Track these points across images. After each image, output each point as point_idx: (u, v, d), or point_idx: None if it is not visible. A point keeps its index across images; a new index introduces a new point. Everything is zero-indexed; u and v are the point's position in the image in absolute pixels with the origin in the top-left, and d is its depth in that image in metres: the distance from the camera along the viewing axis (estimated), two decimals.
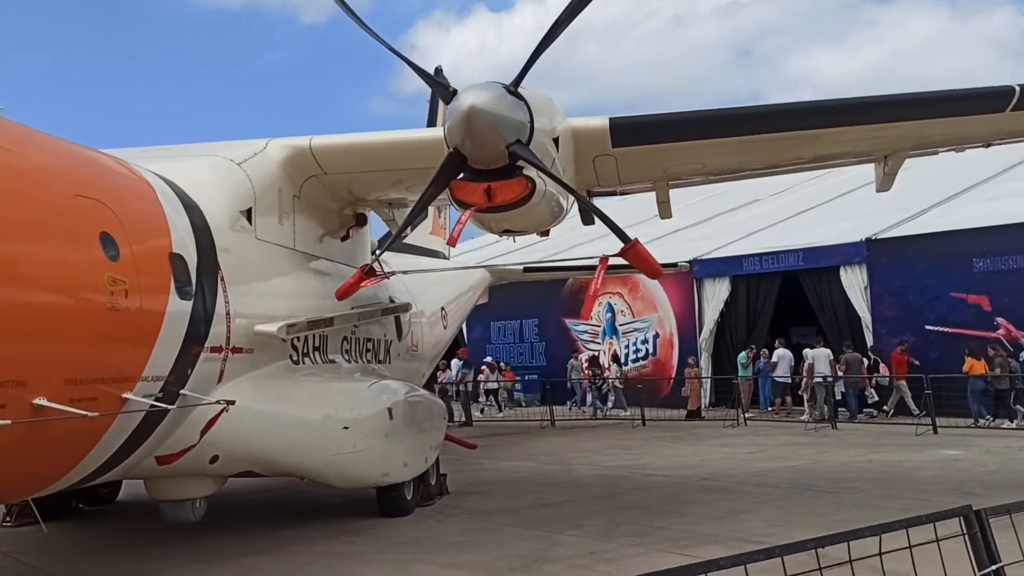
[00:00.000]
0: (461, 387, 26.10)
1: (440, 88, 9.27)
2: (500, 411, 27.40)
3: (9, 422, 6.01)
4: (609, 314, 28.58)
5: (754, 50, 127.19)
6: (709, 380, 25.20)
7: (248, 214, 10.01)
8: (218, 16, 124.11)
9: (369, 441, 10.29)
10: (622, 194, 12.83)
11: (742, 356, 23.92)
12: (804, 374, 22.21)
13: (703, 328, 25.67)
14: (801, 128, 10.44)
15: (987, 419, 19.29)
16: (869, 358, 21.71)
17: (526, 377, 29.81)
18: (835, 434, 19.20)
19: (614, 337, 28.41)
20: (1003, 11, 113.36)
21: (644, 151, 10.63)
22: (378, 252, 11.31)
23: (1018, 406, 19.12)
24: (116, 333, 7.17)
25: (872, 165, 11.66)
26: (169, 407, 7.83)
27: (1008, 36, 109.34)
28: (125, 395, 7.32)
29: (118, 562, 9.13)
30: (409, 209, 10.86)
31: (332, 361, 11.39)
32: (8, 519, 10.91)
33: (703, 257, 26.02)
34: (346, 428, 10.05)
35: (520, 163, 8.89)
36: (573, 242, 25.41)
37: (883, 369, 21.53)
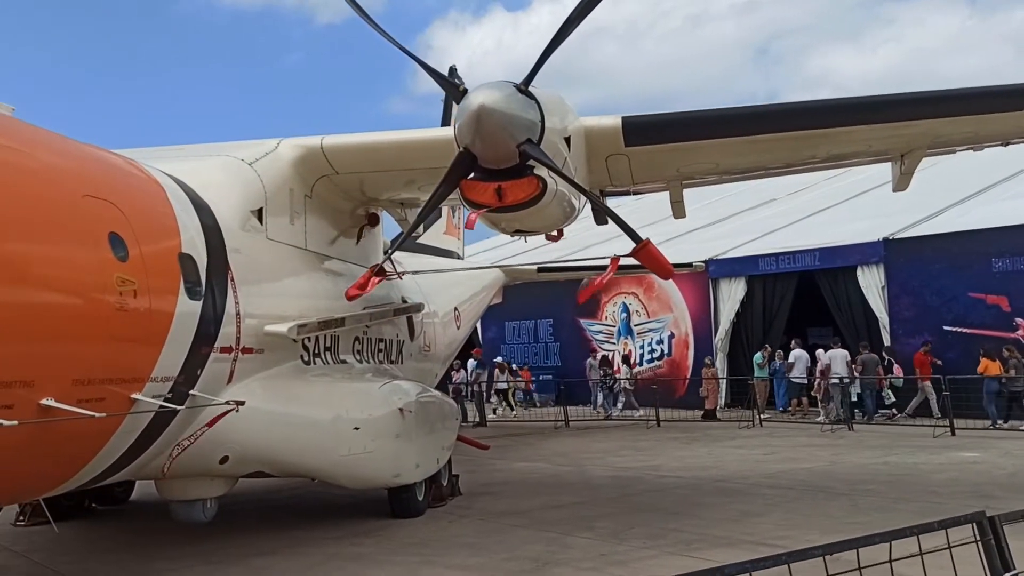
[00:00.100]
0: (475, 387, 26.09)
1: (450, 87, 9.21)
2: (512, 410, 27.36)
3: (16, 423, 5.99)
4: (624, 314, 28.47)
5: (772, 49, 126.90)
6: (725, 381, 25.08)
7: (259, 214, 9.99)
8: (236, 18, 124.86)
9: (380, 442, 10.24)
10: (635, 194, 12.71)
11: (758, 357, 23.77)
12: (817, 375, 22.05)
13: (719, 328, 25.54)
14: (816, 127, 10.25)
15: (999, 421, 19.06)
16: (883, 359, 21.51)
17: (540, 377, 29.77)
18: (851, 435, 19.04)
19: (629, 337, 28.31)
20: (1023, 9, 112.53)
21: (657, 150, 10.51)
22: (389, 252, 11.27)
23: None
24: (125, 333, 7.14)
25: (889, 164, 11.52)
26: (179, 408, 7.83)
27: None
28: (134, 395, 7.30)
29: (129, 562, 9.14)
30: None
31: (343, 361, 11.35)
32: (21, 518, 10.94)
33: (719, 257, 25.91)
34: (357, 429, 10.00)
35: (531, 163, 8.78)
36: (588, 242, 25.32)
37: (897, 370, 21.32)
